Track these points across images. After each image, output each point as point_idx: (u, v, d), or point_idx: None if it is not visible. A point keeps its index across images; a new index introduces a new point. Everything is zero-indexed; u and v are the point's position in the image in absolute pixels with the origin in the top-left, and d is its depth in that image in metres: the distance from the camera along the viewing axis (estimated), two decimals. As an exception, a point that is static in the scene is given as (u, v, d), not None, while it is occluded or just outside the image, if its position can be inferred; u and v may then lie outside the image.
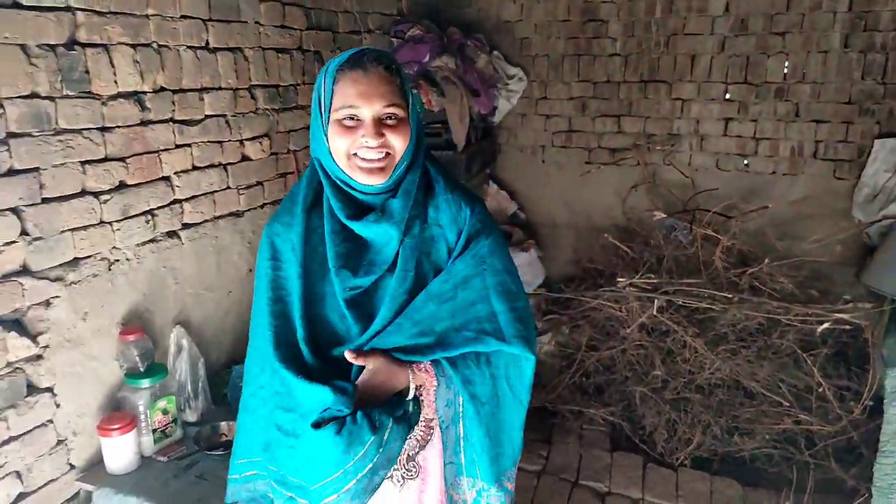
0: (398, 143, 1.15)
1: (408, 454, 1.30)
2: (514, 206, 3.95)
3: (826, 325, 2.80)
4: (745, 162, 3.50)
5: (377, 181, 1.16)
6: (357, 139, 1.13)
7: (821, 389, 2.85)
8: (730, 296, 3.00)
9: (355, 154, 1.14)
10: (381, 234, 1.19)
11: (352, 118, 1.13)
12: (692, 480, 2.81)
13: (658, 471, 2.88)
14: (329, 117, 1.14)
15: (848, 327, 2.85)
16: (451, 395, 1.23)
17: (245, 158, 2.45)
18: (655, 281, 3.11)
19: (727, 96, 3.44)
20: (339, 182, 1.19)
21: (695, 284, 3.07)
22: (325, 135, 1.16)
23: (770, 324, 3.07)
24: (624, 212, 3.74)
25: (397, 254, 1.19)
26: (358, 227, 1.18)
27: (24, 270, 1.71)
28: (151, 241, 2.08)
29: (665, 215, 3.48)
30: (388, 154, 1.15)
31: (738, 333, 3.14)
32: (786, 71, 3.31)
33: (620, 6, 3.51)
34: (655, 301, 3.03)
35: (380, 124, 1.13)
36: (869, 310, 2.84)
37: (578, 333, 3.43)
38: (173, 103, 2.10)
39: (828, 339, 2.99)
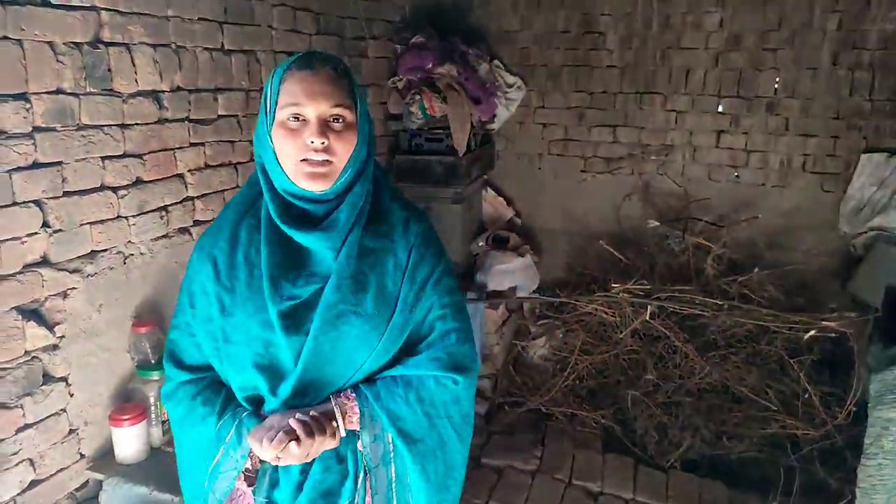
0: (342, 148, 1.09)
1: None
2: (510, 212, 4.02)
3: (812, 332, 2.88)
4: (736, 174, 3.60)
5: (319, 187, 1.09)
6: (302, 142, 1.07)
7: (807, 395, 2.94)
8: (720, 303, 3.08)
9: (304, 160, 1.08)
10: (322, 245, 1.12)
11: (296, 118, 1.07)
12: (681, 482, 2.88)
13: (649, 472, 2.95)
14: (274, 118, 1.08)
15: (833, 335, 2.94)
16: (377, 429, 1.14)
17: (254, 158, 2.50)
18: (648, 287, 3.19)
19: (720, 109, 3.55)
20: (280, 191, 1.12)
21: (686, 291, 3.15)
22: (270, 137, 1.09)
23: (758, 331, 3.16)
24: (618, 219, 3.83)
25: (335, 264, 1.12)
26: (298, 236, 1.11)
27: (45, 261, 1.75)
28: (164, 236, 2.13)
29: (658, 224, 3.57)
30: (329, 161, 1.08)
31: (728, 340, 3.23)
32: (777, 86, 3.42)
33: (618, 20, 3.61)
34: (648, 307, 3.11)
35: (325, 126, 1.07)
36: (854, 318, 2.92)
37: (572, 338, 3.50)
38: (189, 103, 2.16)
39: (814, 347, 3.08)
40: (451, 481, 1.23)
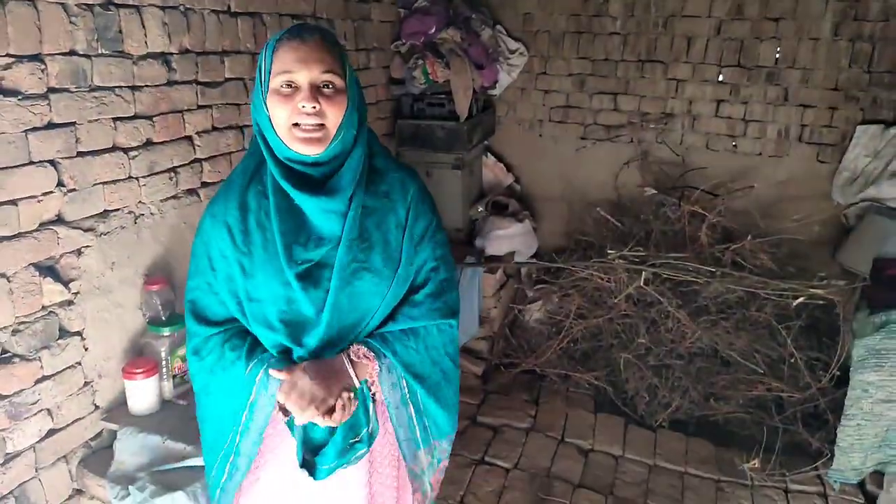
0: (333, 112, 1.15)
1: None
2: (510, 178, 4.06)
3: (801, 299, 2.97)
4: (734, 143, 3.65)
5: (314, 151, 1.16)
6: (294, 106, 1.13)
7: (793, 360, 3.05)
8: (713, 270, 3.16)
9: (296, 125, 1.15)
10: (327, 208, 1.19)
11: (289, 85, 1.13)
12: (669, 440, 3.00)
13: (638, 431, 3.07)
14: (268, 86, 1.15)
15: (821, 302, 3.03)
16: (394, 378, 1.30)
17: (260, 121, 2.54)
18: (643, 254, 3.26)
19: (720, 78, 3.57)
20: (280, 157, 1.20)
21: (680, 258, 3.22)
22: (265, 105, 1.17)
23: (749, 297, 3.24)
24: (616, 187, 3.88)
25: (343, 227, 1.21)
26: (303, 200, 1.19)
27: (60, 220, 1.80)
28: (173, 197, 2.18)
29: (655, 191, 3.62)
30: (322, 125, 1.15)
31: (719, 306, 3.32)
32: (777, 56, 3.44)
33: (622, -14, 3.60)
34: (643, 273, 3.19)
35: (316, 91, 1.13)
36: (842, 287, 3.01)
37: (568, 302, 3.59)
38: (197, 65, 2.18)
39: (802, 313, 3.18)
40: (455, 397, 1.45)
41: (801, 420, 3.01)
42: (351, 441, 1.29)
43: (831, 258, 3.39)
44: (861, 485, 2.72)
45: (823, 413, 2.99)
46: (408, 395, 1.34)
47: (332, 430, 1.29)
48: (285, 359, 1.26)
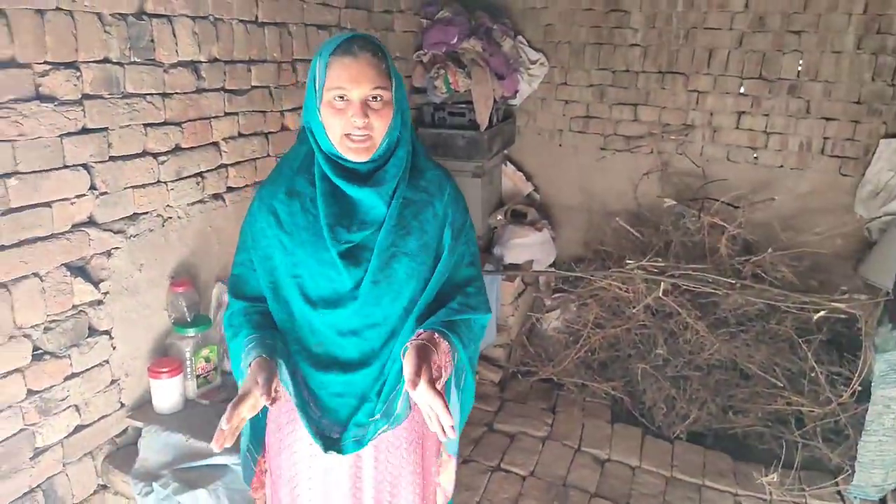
0: (380, 123, 1.28)
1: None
2: (529, 187, 4.09)
3: (822, 313, 2.94)
4: (755, 155, 3.63)
5: (362, 158, 1.29)
6: (347, 119, 1.25)
7: (813, 374, 3.01)
8: (732, 282, 3.15)
9: (347, 135, 1.27)
10: (371, 196, 1.31)
11: (341, 98, 1.25)
12: (687, 453, 2.98)
13: (655, 442, 3.06)
14: (322, 97, 1.27)
15: (843, 316, 3.00)
16: (457, 362, 1.39)
17: (284, 128, 2.59)
18: (662, 265, 3.26)
19: (741, 90, 3.56)
20: (328, 153, 1.32)
21: (700, 270, 3.22)
22: (319, 111, 1.28)
23: (769, 310, 3.22)
24: (635, 197, 3.89)
25: (386, 214, 1.32)
26: (352, 190, 1.31)
27: (91, 222, 1.86)
28: (200, 201, 2.24)
29: (675, 203, 3.61)
30: (369, 136, 1.27)
31: (739, 318, 3.30)
32: (799, 69, 3.43)
33: (644, -2, 3.62)
34: (661, 284, 3.19)
35: (365, 105, 1.25)
36: (864, 301, 2.98)
37: (586, 311, 3.59)
38: (224, 73, 2.24)
39: (823, 327, 3.15)
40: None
41: (820, 435, 2.97)
42: (375, 418, 1.37)
43: (853, 272, 3.36)
44: (882, 502, 2.68)
45: (844, 428, 2.95)
46: (463, 384, 1.44)
47: (356, 409, 1.38)
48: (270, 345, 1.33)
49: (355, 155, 1.29)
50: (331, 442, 1.37)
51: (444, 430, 1.20)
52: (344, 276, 1.31)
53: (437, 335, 1.31)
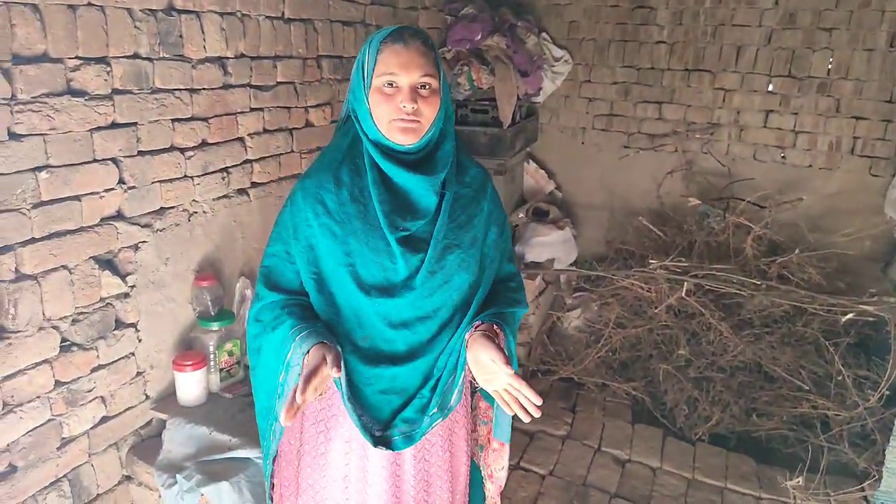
0: (429, 110, 1.28)
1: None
2: (551, 185, 4.06)
3: (850, 315, 2.89)
4: (783, 154, 3.58)
5: (411, 140, 1.28)
6: (396, 105, 1.25)
7: (840, 377, 2.96)
8: (758, 283, 3.10)
9: (394, 119, 1.27)
10: (421, 185, 1.30)
11: (391, 84, 1.25)
12: (709, 455, 2.94)
13: (677, 443, 3.02)
14: (371, 83, 1.27)
15: (871, 319, 2.94)
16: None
17: (308, 124, 2.61)
18: (686, 264, 3.22)
19: (770, 88, 3.51)
20: (375, 141, 1.31)
21: (724, 270, 3.17)
22: (366, 98, 1.28)
23: (795, 312, 3.17)
24: (659, 196, 3.85)
25: (438, 205, 1.33)
26: (403, 177, 1.30)
27: (119, 216, 1.89)
28: (225, 196, 2.25)
29: (699, 202, 3.57)
30: (417, 121, 1.27)
31: (764, 319, 3.25)
32: (830, 67, 3.37)
33: (670, -6, 3.58)
34: (685, 284, 3.15)
35: (415, 92, 1.26)
36: (893, 304, 2.92)
37: (607, 311, 3.56)
38: (251, 69, 2.26)
39: (850, 330, 3.09)
40: None
41: (847, 440, 2.92)
42: (433, 412, 1.36)
43: (882, 274, 3.30)
44: (910, 509, 2.63)
45: (871, 433, 2.90)
46: None
47: (402, 405, 1.37)
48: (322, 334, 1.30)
49: (403, 136, 1.28)
50: (377, 439, 1.35)
51: (526, 411, 1.20)
52: (400, 264, 1.30)
53: (495, 327, 1.33)
